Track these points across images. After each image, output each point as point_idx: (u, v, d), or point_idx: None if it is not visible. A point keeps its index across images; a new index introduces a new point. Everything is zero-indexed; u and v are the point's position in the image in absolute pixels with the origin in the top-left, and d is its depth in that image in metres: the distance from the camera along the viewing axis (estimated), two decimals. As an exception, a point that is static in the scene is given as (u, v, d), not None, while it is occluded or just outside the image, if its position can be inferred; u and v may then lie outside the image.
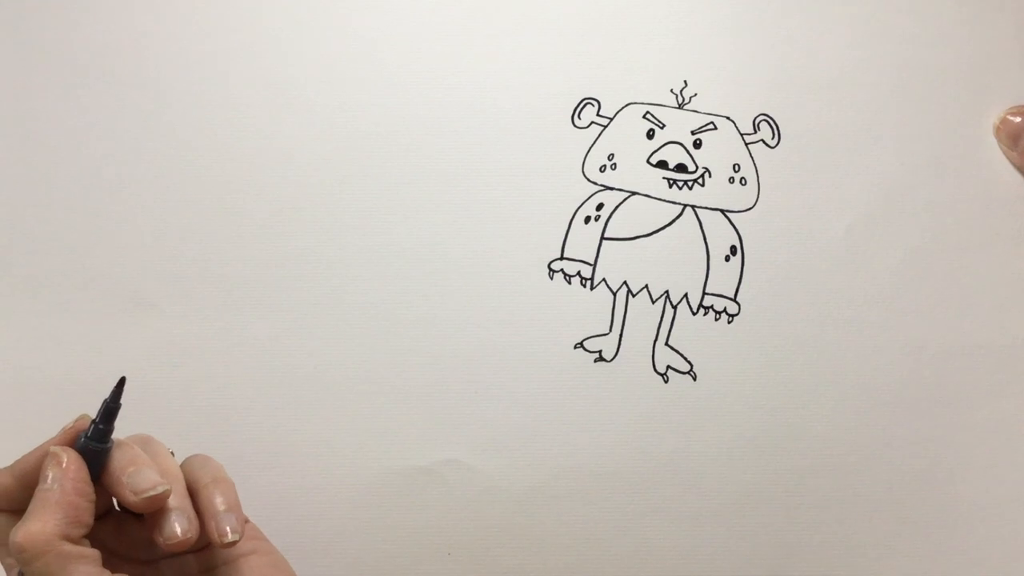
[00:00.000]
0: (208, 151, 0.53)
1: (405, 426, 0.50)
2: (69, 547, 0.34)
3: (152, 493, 0.36)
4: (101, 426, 0.37)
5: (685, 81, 0.51)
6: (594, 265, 0.50)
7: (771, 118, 0.51)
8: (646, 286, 0.49)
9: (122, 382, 0.38)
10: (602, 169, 0.51)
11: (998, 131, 0.50)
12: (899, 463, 0.48)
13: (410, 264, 0.51)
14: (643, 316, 0.49)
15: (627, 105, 0.51)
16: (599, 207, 0.50)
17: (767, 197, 0.50)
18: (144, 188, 0.52)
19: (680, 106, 0.51)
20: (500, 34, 0.53)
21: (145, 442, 0.40)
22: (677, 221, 0.50)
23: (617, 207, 0.50)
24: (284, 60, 0.53)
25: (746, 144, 0.50)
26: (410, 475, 0.50)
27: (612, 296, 0.50)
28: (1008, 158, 0.50)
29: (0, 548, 0.37)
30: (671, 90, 0.51)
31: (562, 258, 0.50)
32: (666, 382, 0.49)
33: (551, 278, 0.50)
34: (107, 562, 0.35)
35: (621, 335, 0.49)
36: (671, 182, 0.50)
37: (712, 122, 0.51)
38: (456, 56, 0.53)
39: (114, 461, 0.37)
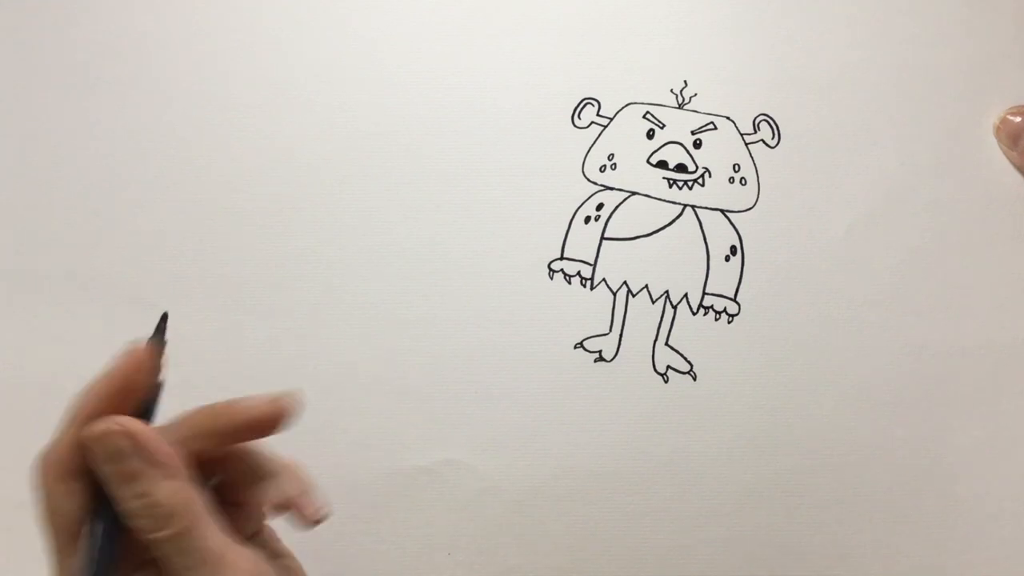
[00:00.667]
0: (208, 151, 0.53)
1: (405, 426, 0.50)
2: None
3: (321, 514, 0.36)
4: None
5: (685, 81, 0.51)
6: (594, 265, 0.50)
7: (771, 118, 0.51)
8: (646, 286, 0.49)
9: (165, 317, 0.38)
10: (602, 169, 0.51)
11: (998, 131, 0.50)
12: (899, 463, 0.48)
13: (410, 264, 0.51)
14: (643, 316, 0.49)
15: (627, 105, 0.51)
16: (599, 207, 0.50)
17: (767, 197, 0.50)
18: (144, 188, 0.52)
19: (680, 106, 0.51)
20: (500, 34, 0.53)
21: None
22: (677, 221, 0.50)
23: (617, 207, 0.50)
24: (284, 60, 0.53)
25: (746, 144, 0.50)
26: (410, 475, 0.50)
27: (612, 296, 0.50)
28: (1008, 158, 0.50)
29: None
30: (671, 90, 0.51)
31: (562, 258, 0.50)
32: (666, 382, 0.49)
33: (551, 278, 0.50)
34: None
35: (621, 335, 0.49)
36: (671, 182, 0.50)
37: (712, 122, 0.51)
38: (456, 56, 0.53)
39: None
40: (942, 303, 0.49)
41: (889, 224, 0.50)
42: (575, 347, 0.49)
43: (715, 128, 0.51)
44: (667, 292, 0.49)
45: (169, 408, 0.51)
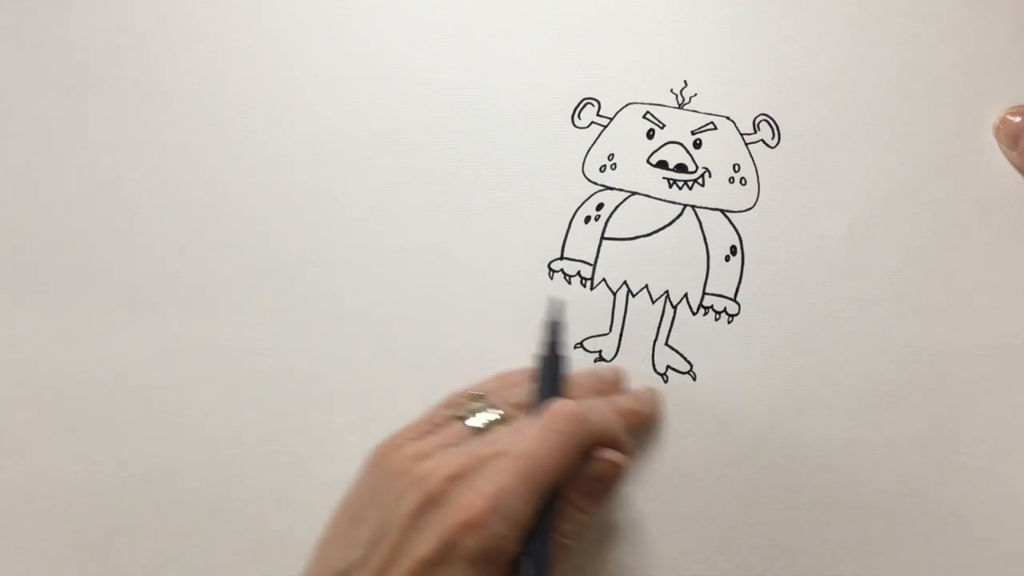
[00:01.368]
0: (208, 151, 0.53)
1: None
2: None
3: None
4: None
5: (685, 81, 0.51)
6: (594, 265, 0.50)
7: (771, 118, 0.51)
8: (646, 286, 0.49)
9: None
10: (602, 169, 0.51)
11: (998, 131, 0.50)
12: (899, 463, 0.47)
13: (410, 264, 0.51)
14: (643, 316, 0.49)
15: (627, 105, 0.51)
16: (599, 207, 0.50)
17: (767, 197, 0.50)
18: (144, 188, 0.52)
19: (680, 106, 0.51)
20: (500, 34, 0.53)
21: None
22: (677, 221, 0.50)
23: (617, 207, 0.50)
24: (284, 60, 0.53)
25: (746, 144, 0.50)
26: (410, 475, 0.50)
27: (612, 296, 0.50)
28: (1008, 158, 0.50)
29: None
30: (671, 90, 0.51)
31: (562, 258, 0.50)
32: (666, 382, 0.49)
33: (551, 278, 0.50)
34: None
35: (621, 335, 0.49)
36: (671, 182, 0.50)
37: (712, 122, 0.51)
38: (456, 56, 0.53)
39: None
40: (942, 303, 0.49)
41: (889, 224, 0.50)
42: (575, 347, 0.49)
43: (715, 128, 0.51)
44: (667, 292, 0.49)
45: (169, 408, 0.51)
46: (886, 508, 0.47)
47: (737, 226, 0.50)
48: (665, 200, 0.50)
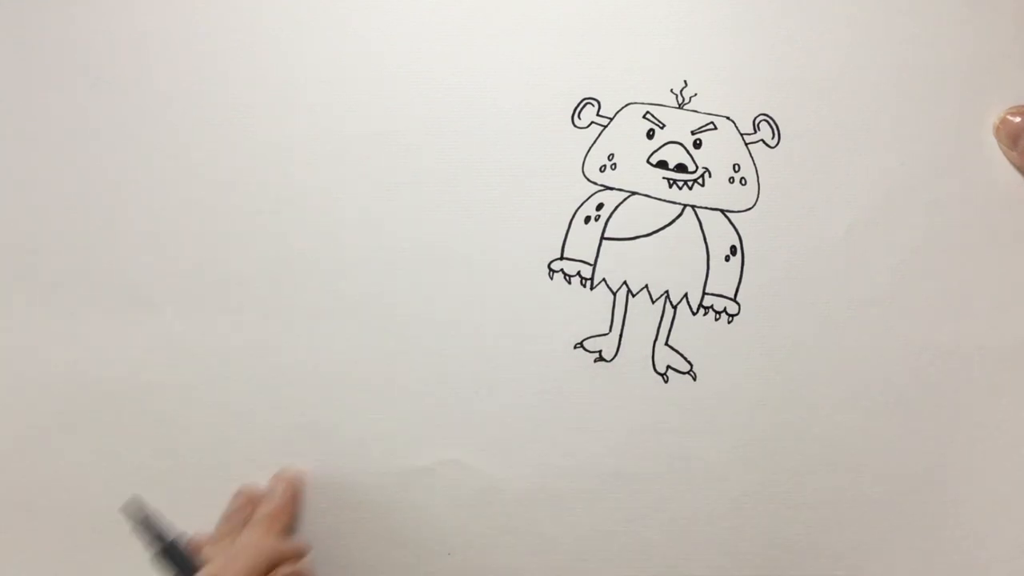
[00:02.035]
0: (208, 151, 0.53)
1: (405, 426, 0.50)
2: None
3: None
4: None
5: (685, 81, 0.51)
6: (594, 265, 0.50)
7: (771, 118, 0.51)
8: (646, 286, 0.49)
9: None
10: (602, 169, 0.51)
11: (998, 131, 0.50)
12: (899, 463, 0.48)
13: (410, 264, 0.51)
14: (643, 316, 0.49)
15: (627, 105, 0.51)
16: (599, 207, 0.50)
17: (767, 197, 0.50)
18: (144, 188, 0.52)
19: (680, 106, 0.51)
20: (500, 34, 0.53)
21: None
22: (677, 221, 0.50)
23: (617, 207, 0.50)
24: (284, 60, 0.53)
25: (746, 144, 0.50)
26: (410, 475, 0.50)
27: (612, 296, 0.50)
28: (1008, 158, 0.50)
29: None
30: (671, 90, 0.51)
31: (562, 258, 0.50)
32: (666, 382, 0.49)
33: (551, 278, 0.50)
34: None
35: (621, 335, 0.49)
36: (671, 182, 0.50)
37: (712, 122, 0.51)
38: (456, 56, 0.53)
39: None
40: (942, 303, 0.49)
41: (889, 224, 0.49)
42: (575, 347, 0.49)
43: (715, 128, 0.51)
44: (667, 292, 0.49)
45: (169, 408, 0.51)
46: (886, 508, 0.47)
47: (737, 226, 0.50)
48: (665, 200, 0.50)
